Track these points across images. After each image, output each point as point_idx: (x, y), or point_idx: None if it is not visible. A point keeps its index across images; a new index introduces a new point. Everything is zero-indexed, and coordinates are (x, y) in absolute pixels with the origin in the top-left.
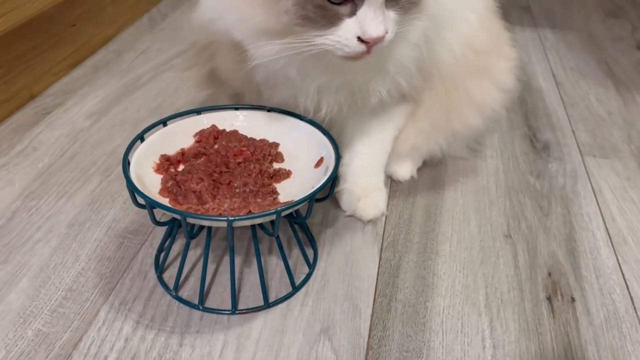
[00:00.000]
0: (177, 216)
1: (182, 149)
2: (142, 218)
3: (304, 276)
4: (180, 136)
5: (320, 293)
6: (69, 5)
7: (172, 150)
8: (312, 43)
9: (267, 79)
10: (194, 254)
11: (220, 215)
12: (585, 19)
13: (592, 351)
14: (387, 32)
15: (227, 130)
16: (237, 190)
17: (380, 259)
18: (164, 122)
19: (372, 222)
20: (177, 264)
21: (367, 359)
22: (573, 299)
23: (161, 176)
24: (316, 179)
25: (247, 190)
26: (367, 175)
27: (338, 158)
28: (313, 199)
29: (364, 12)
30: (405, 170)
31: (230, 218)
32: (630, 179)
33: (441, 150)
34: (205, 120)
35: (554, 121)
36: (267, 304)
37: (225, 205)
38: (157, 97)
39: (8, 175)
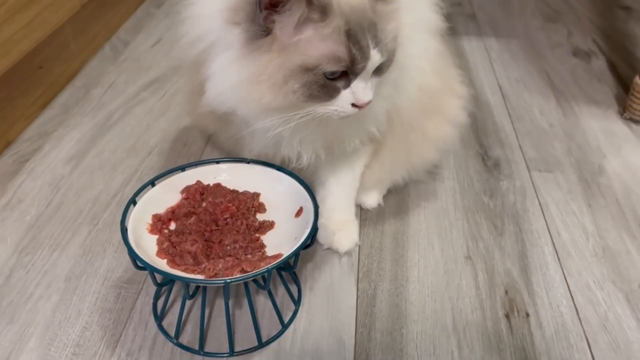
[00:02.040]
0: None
1: (172, 207)
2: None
3: (291, 313)
4: (167, 194)
5: (307, 329)
6: (36, 49)
7: (161, 209)
8: (313, 113)
9: (255, 136)
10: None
11: (216, 276)
12: (526, 26)
13: None
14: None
15: (211, 184)
16: (228, 248)
17: (357, 289)
18: (152, 183)
19: (348, 253)
20: (173, 310)
21: None
22: (527, 314)
23: (156, 237)
24: (298, 229)
25: (237, 246)
26: (340, 210)
27: (317, 209)
28: (299, 251)
29: (356, 84)
30: (372, 199)
31: (227, 280)
32: (571, 191)
33: (403, 179)
34: (190, 176)
35: (502, 137)
36: (261, 344)
37: (220, 265)
38: (130, 136)
39: None
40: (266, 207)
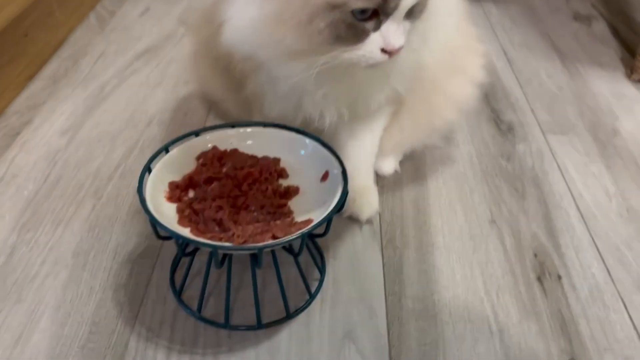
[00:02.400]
0: (209, 249)
1: (189, 174)
2: (146, 240)
3: (317, 283)
4: (182, 160)
5: (335, 298)
6: (21, 16)
7: (177, 176)
8: (339, 59)
9: (276, 86)
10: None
11: (246, 243)
12: None
13: (583, 325)
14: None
15: (228, 149)
16: (255, 214)
17: (382, 257)
18: (166, 149)
19: (369, 221)
20: (192, 283)
21: (390, 356)
22: (560, 277)
23: (174, 205)
24: (326, 193)
25: (265, 212)
26: (359, 176)
27: (345, 172)
28: (332, 216)
29: (387, 26)
30: (389, 165)
31: (261, 246)
32: (588, 153)
33: (421, 144)
34: (205, 142)
35: (513, 102)
36: (289, 315)
37: (249, 231)
38: (127, 107)
39: None
40: (288, 172)
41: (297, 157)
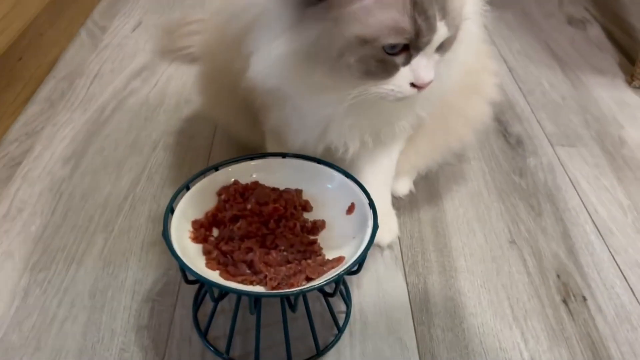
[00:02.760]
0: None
1: (211, 211)
2: (164, 276)
3: (344, 315)
4: (203, 196)
5: (364, 331)
6: (15, 42)
7: (199, 213)
8: (366, 93)
9: (300, 124)
10: (228, 307)
11: (279, 286)
12: None
13: (614, 348)
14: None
15: (248, 182)
16: (285, 253)
17: (407, 284)
18: (187, 187)
19: (389, 246)
20: (216, 322)
21: None
22: (585, 298)
23: (199, 245)
24: (354, 227)
25: (295, 250)
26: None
27: (373, 203)
28: (366, 254)
29: (418, 60)
30: (404, 186)
31: (297, 291)
32: (598, 165)
33: (437, 164)
34: (226, 175)
35: (518, 112)
36: (319, 352)
37: (282, 273)
38: (129, 130)
39: (2, 247)
40: (312, 204)
41: (318, 188)
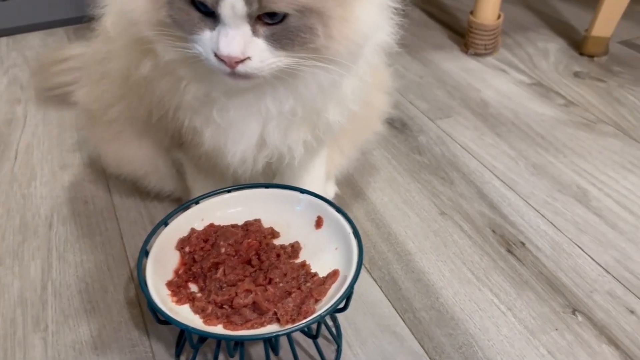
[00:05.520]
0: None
1: (178, 267)
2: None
3: (334, 329)
4: (163, 256)
5: (359, 337)
6: None
7: (168, 274)
8: (192, 52)
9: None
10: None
11: (293, 319)
12: None
13: (564, 276)
14: (248, 58)
15: (201, 227)
16: (281, 285)
17: (375, 280)
18: (145, 253)
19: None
20: None
21: None
22: (523, 243)
23: (186, 306)
24: (331, 239)
25: (290, 278)
26: None
27: (344, 212)
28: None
29: (224, 29)
30: (330, 190)
31: (322, 315)
32: (477, 128)
33: (357, 160)
34: (178, 227)
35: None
36: None
37: (290, 305)
38: (10, 214)
39: None
40: (277, 230)
41: (274, 212)
